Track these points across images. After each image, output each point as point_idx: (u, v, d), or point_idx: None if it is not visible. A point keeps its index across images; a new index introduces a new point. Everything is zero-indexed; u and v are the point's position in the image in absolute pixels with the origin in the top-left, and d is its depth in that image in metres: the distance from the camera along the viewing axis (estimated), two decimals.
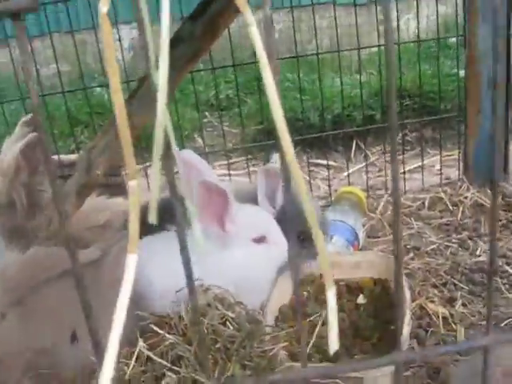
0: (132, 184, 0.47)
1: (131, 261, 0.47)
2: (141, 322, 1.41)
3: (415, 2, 2.96)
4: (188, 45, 1.87)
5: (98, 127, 3.05)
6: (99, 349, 0.55)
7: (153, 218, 0.47)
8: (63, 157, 2.84)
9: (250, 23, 0.44)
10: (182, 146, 2.85)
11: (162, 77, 0.42)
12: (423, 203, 2.67)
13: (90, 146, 2.08)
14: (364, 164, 3.24)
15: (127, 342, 1.34)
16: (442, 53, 3.79)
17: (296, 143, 3.53)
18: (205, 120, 4.20)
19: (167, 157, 0.49)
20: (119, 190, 2.88)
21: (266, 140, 3.30)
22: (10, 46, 2.82)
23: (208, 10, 1.82)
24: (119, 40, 3.14)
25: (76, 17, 3.37)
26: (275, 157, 3.26)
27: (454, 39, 4.11)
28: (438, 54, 2.96)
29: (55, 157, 2.73)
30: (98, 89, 4.13)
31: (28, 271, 1.46)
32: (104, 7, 0.40)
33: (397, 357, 0.54)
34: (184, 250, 0.49)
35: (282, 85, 3.56)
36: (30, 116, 2.45)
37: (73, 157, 2.97)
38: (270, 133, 3.33)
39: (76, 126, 3.58)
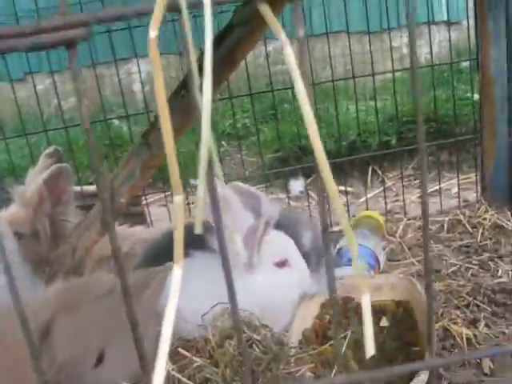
0: (177, 199, 0.49)
1: (177, 274, 0.50)
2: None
3: (426, 29, 3.00)
4: None
5: (118, 158, 3.11)
6: (145, 367, 0.57)
7: (199, 230, 0.49)
8: (85, 187, 2.89)
9: (284, 44, 0.47)
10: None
11: (205, 103, 0.45)
12: (442, 226, 2.68)
13: (111, 176, 2.12)
14: (381, 189, 3.26)
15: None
16: (454, 77, 3.83)
17: (313, 170, 3.56)
18: (222, 149, 4.25)
19: (209, 178, 0.52)
20: (139, 219, 2.92)
21: (283, 167, 3.34)
22: (33, 81, 2.91)
23: (226, 41, 1.87)
24: (139, 72, 3.21)
25: (94, 51, 3.45)
26: (293, 183, 3.29)
27: (466, 64, 4.15)
28: (452, 78, 2.99)
29: (77, 188, 2.77)
30: (116, 121, 4.21)
31: (58, 306, 1.47)
32: (153, 32, 0.43)
33: (432, 362, 0.56)
34: (226, 264, 0.52)
35: (298, 112, 3.60)
36: (53, 148, 2.51)
37: (93, 188, 3.02)
38: (287, 160, 3.37)
39: None
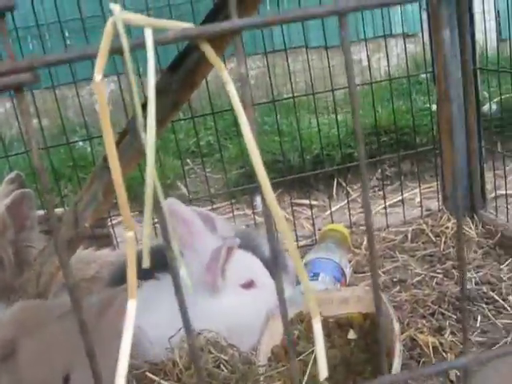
0: (129, 235, 0.50)
1: (131, 307, 0.51)
2: (135, 370, 1.42)
3: (384, 42, 3.06)
4: (167, 97, 1.92)
5: (82, 180, 3.09)
6: None
7: (146, 264, 0.51)
8: None
9: (226, 82, 0.49)
10: (166, 195, 2.89)
11: (149, 136, 0.47)
12: (406, 236, 2.72)
13: (75, 199, 2.11)
14: (346, 201, 3.30)
15: None
16: (413, 88, 3.91)
17: (278, 185, 3.59)
18: (187, 167, 4.25)
19: (158, 207, 0.53)
20: (106, 241, 2.90)
21: (249, 183, 3.35)
22: None
23: (185, 61, 1.88)
24: None
25: (55, 72, 3.43)
26: (259, 199, 3.30)
27: (423, 75, 4.24)
28: (410, 90, 3.05)
29: (41, 211, 2.74)
30: (80, 142, 4.18)
31: (18, 326, 1.45)
32: (98, 76, 0.44)
33: (382, 380, 0.58)
34: (179, 292, 0.53)
35: (261, 128, 3.64)
36: (14, 173, 2.48)
37: (58, 211, 2.99)
38: (252, 176, 3.39)
39: (59, 180, 3.61)
